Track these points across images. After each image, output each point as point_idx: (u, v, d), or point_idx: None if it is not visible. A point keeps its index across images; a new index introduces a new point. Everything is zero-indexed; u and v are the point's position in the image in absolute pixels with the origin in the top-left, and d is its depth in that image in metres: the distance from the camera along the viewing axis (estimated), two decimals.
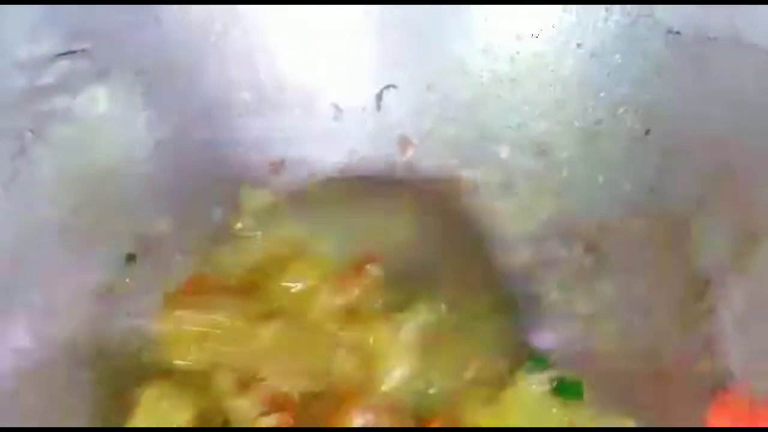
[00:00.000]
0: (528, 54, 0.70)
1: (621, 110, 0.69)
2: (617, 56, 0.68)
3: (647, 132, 0.68)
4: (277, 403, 0.58)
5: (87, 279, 0.61)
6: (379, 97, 0.71)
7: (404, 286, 0.64)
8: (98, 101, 0.61)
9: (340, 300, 0.63)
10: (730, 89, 0.64)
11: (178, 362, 0.61)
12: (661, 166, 0.68)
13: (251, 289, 0.64)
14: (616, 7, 0.67)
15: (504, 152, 0.72)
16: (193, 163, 0.67)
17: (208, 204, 0.67)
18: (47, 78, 0.59)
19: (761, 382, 0.61)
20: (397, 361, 0.61)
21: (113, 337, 0.61)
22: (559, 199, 0.72)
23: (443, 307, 0.64)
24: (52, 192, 0.60)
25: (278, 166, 0.70)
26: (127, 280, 0.63)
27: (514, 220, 0.72)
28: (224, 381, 0.59)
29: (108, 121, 0.62)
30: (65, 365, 0.58)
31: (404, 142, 0.73)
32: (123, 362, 0.60)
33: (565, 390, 0.62)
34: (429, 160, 0.72)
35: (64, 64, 0.59)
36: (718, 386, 0.62)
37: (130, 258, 0.63)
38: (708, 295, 0.66)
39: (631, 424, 0.64)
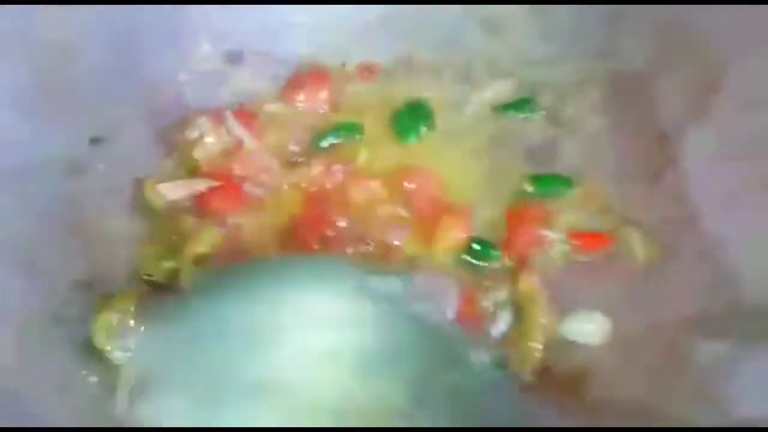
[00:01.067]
0: None
1: None
2: None
3: None
4: None
5: (54, 156, 0.59)
6: None
7: None
8: None
9: None
10: None
11: None
12: (613, 29, 0.71)
13: None
14: None
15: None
16: (148, 52, 0.66)
17: (168, 92, 0.67)
18: None
19: (728, 219, 0.63)
20: None
21: (89, 212, 0.59)
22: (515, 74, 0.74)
23: None
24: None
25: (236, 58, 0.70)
26: (99, 164, 0.61)
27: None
28: None
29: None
30: (45, 239, 0.57)
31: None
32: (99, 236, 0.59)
33: None
34: None
35: None
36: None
37: (95, 141, 0.61)
38: (669, 148, 0.68)
39: None
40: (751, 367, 0.54)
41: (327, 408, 0.51)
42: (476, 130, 0.72)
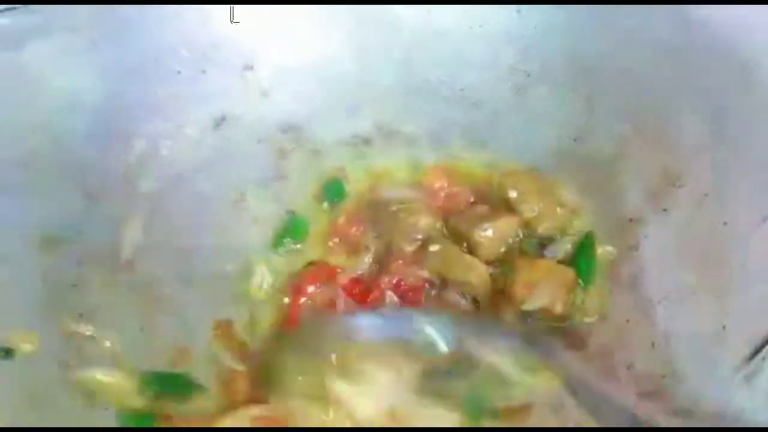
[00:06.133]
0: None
1: (548, 62, 0.73)
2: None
3: (573, 81, 0.72)
4: None
5: (35, 229, 0.62)
6: None
7: None
8: (41, 57, 0.62)
9: None
10: (644, 34, 0.68)
11: None
12: (585, 114, 0.73)
13: None
14: None
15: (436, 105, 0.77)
16: (134, 119, 0.69)
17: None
18: None
19: (680, 314, 0.66)
20: None
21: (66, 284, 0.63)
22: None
23: None
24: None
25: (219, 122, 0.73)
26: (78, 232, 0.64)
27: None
28: None
29: (52, 76, 0.63)
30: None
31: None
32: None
33: None
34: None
35: (6, 17, 0.60)
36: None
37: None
38: (632, 234, 0.70)
39: None
40: None
41: None
42: None
